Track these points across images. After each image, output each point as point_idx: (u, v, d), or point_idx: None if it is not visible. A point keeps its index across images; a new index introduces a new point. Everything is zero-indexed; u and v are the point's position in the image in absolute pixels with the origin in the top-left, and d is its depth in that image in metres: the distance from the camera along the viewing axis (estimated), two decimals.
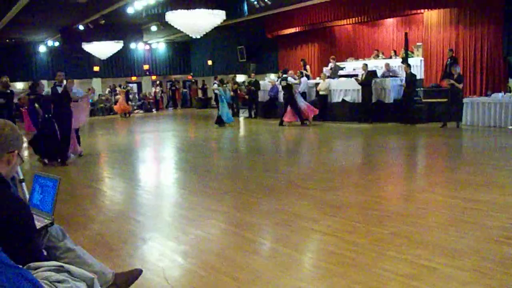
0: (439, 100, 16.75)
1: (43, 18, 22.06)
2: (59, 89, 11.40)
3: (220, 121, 19.65)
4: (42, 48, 30.88)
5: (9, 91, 11.95)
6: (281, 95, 20.69)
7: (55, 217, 3.35)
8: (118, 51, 27.94)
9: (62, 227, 3.54)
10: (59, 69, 31.51)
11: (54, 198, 3.34)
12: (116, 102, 30.05)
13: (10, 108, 12.09)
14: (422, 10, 19.76)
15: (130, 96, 30.92)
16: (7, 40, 28.56)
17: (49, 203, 3.36)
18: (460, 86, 15.69)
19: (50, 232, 3.25)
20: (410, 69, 17.21)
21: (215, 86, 20.13)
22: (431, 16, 19.68)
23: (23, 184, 4.04)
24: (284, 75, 18.63)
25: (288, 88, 18.30)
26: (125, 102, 28.62)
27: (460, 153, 11.75)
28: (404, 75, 17.49)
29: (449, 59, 17.69)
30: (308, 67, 22.83)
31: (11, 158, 2.66)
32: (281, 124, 18.55)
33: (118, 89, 30.25)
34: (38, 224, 3.19)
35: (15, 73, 29.79)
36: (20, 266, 2.14)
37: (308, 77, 21.26)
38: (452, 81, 15.59)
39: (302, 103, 18.45)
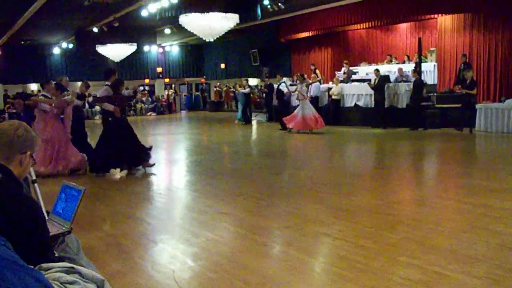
0: (452, 105, 16.68)
1: (58, 20, 22.21)
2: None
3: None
4: (56, 50, 31.08)
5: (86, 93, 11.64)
6: (293, 99, 20.73)
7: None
8: (132, 53, 28.03)
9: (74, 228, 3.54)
10: (74, 71, 31.99)
11: (76, 207, 3.34)
12: None
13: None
14: (436, 15, 19.68)
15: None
16: (22, 42, 28.76)
17: (70, 212, 3.36)
18: (474, 91, 15.62)
19: (66, 242, 3.24)
20: (419, 75, 17.15)
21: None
22: (445, 21, 19.61)
23: (36, 185, 4.05)
24: (282, 80, 19.68)
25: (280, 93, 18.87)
26: None
27: (473, 158, 11.68)
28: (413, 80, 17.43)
29: (462, 65, 17.60)
30: (318, 71, 22.83)
31: (24, 159, 2.68)
32: (283, 128, 18.51)
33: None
34: (55, 231, 3.20)
35: (29, 75, 30.05)
36: (32, 267, 2.15)
37: (320, 81, 21.25)
38: (464, 90, 15.55)
39: (308, 112, 17.31)
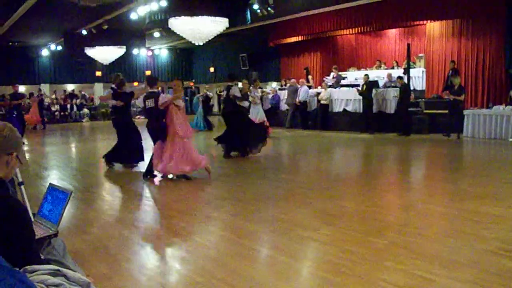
0: (440, 111, 16.78)
1: (47, 22, 22.13)
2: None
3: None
4: (44, 52, 30.96)
5: (128, 91, 11.48)
6: (282, 103, 20.86)
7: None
8: (121, 56, 27.98)
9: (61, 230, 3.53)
10: (61, 73, 31.89)
11: (63, 210, 3.34)
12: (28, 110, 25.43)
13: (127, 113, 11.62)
14: (424, 22, 19.84)
15: (45, 105, 28.68)
16: (10, 43, 28.65)
17: (56, 215, 3.35)
18: (462, 97, 15.73)
19: (53, 245, 3.23)
20: (405, 82, 17.23)
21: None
22: (433, 27, 19.79)
23: (22, 187, 4.04)
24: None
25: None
26: (37, 112, 25.30)
27: (460, 164, 11.75)
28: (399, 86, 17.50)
29: (450, 71, 17.73)
30: (310, 77, 22.96)
31: (9, 160, 2.67)
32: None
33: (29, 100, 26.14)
34: (42, 233, 3.20)
35: (17, 77, 29.88)
36: (16, 269, 2.14)
37: (309, 86, 21.39)
38: (452, 96, 15.65)
39: (260, 118, 15.24)
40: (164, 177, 9.72)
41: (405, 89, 17.07)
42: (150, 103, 9.50)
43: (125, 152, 11.37)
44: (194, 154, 9.63)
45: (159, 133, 9.60)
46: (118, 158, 11.51)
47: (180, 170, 9.44)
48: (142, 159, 11.40)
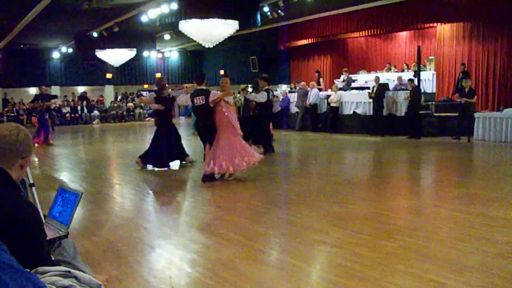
0: (451, 114, 16.72)
1: (58, 25, 22.24)
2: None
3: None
4: (55, 54, 31.14)
5: (169, 95, 11.46)
6: (292, 106, 20.85)
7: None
8: (131, 58, 28.07)
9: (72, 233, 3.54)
10: (72, 75, 32.04)
11: (73, 211, 3.35)
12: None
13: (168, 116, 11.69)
14: (435, 24, 19.79)
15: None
16: (21, 46, 28.80)
17: (67, 216, 3.37)
18: (473, 100, 15.66)
19: (63, 246, 3.24)
20: (414, 84, 17.15)
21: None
22: (444, 30, 19.72)
23: (33, 188, 4.06)
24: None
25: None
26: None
27: (470, 167, 11.70)
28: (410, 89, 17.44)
29: (461, 73, 17.66)
30: (321, 80, 22.96)
31: (24, 163, 2.70)
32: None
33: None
34: (52, 234, 3.21)
35: (28, 79, 30.11)
36: (28, 270, 2.15)
37: (320, 89, 21.40)
38: (464, 98, 15.58)
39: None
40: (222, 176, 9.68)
41: (415, 91, 17.01)
42: (200, 100, 9.43)
43: (160, 155, 11.39)
44: (248, 149, 9.62)
45: (209, 131, 9.48)
46: (152, 160, 11.52)
47: (237, 168, 9.40)
48: (178, 159, 11.63)
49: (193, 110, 9.89)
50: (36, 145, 16.61)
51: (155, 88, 11.76)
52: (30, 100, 19.14)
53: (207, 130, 9.57)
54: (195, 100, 9.49)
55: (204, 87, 9.64)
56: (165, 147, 11.28)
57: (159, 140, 11.39)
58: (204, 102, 9.34)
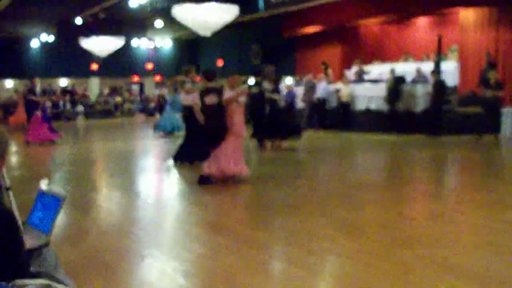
0: (475, 109, 16.67)
1: (37, 10, 22.22)
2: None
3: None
4: (35, 43, 31.12)
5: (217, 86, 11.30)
6: (297, 101, 20.82)
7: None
8: (119, 48, 28.07)
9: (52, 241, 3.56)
10: (53, 66, 32.04)
11: (55, 218, 3.34)
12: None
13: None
14: (457, 9, 19.67)
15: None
16: None
17: (48, 223, 3.36)
18: (501, 93, 15.58)
19: (44, 256, 3.25)
20: (439, 76, 17.09)
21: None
22: (467, 15, 19.61)
23: (10, 192, 4.08)
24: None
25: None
26: (24, 111, 22.60)
27: (495, 169, 11.69)
28: (432, 82, 17.37)
29: (486, 64, 17.60)
30: (330, 70, 22.82)
31: (1, 164, 2.71)
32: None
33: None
34: (31, 243, 3.22)
35: (5, 70, 30.09)
36: (4, 283, 2.17)
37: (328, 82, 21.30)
38: (490, 91, 15.52)
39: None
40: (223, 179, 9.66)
41: (440, 85, 16.91)
42: (212, 99, 9.33)
43: (194, 150, 11.39)
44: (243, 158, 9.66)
45: (221, 133, 9.34)
46: (187, 156, 11.70)
47: (239, 171, 9.42)
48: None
49: (204, 109, 9.69)
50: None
51: (188, 80, 11.96)
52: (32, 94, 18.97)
53: (218, 132, 9.41)
54: (206, 99, 9.37)
55: (215, 85, 9.61)
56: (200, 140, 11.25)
57: (191, 134, 11.54)
58: (217, 101, 9.30)
